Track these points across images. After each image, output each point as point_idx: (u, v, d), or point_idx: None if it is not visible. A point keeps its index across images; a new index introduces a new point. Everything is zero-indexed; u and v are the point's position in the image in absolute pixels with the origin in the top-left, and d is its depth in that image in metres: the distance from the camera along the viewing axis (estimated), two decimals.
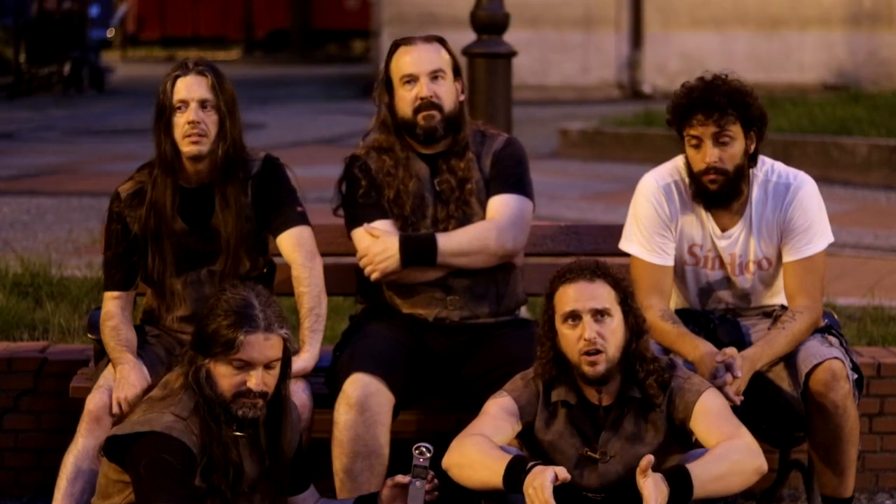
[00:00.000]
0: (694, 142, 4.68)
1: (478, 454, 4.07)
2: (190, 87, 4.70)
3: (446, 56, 4.91)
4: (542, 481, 3.91)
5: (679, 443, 4.22)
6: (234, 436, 4.09)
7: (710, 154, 4.64)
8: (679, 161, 4.82)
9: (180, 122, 4.71)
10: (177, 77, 4.72)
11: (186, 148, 4.71)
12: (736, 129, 4.64)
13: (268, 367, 4.08)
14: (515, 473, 3.98)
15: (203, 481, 4.02)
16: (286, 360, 4.15)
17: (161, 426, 3.98)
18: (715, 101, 4.61)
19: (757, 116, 4.68)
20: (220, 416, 4.05)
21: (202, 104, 4.70)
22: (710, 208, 4.76)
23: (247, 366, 4.05)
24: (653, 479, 3.92)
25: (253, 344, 4.04)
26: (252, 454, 4.15)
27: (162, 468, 3.93)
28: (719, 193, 4.70)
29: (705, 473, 3.98)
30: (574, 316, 4.17)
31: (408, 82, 4.86)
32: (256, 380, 4.04)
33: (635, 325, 4.21)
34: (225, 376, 4.06)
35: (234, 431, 4.09)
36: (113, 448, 4.07)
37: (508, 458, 4.03)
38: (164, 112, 4.72)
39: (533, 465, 3.98)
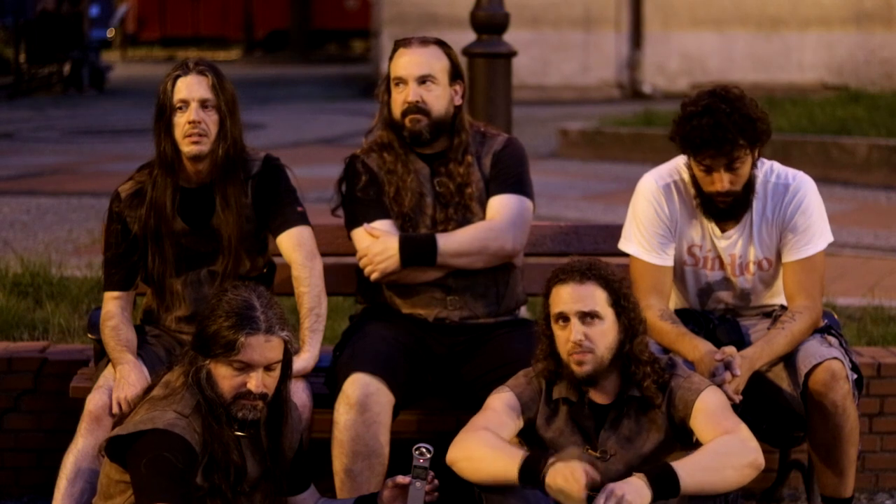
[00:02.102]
0: (704, 169, 4.65)
1: (488, 448, 4.07)
2: (191, 87, 4.70)
3: (443, 60, 4.90)
4: (576, 471, 3.90)
5: (680, 441, 4.22)
6: (235, 436, 4.09)
7: (720, 182, 4.62)
8: (679, 161, 4.81)
9: (181, 121, 4.71)
10: (177, 77, 4.72)
11: (187, 148, 4.71)
12: (745, 153, 4.62)
13: (268, 368, 4.08)
14: (533, 467, 3.97)
15: (205, 480, 4.03)
16: (287, 362, 4.15)
17: (164, 423, 3.99)
18: (727, 137, 4.55)
19: (763, 132, 4.65)
20: (222, 416, 4.06)
21: (203, 104, 4.70)
22: (716, 220, 4.75)
23: (247, 367, 4.05)
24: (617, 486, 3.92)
25: (254, 346, 4.04)
26: (253, 454, 4.15)
27: (163, 467, 3.92)
28: (730, 210, 4.69)
29: (690, 465, 3.96)
30: (564, 317, 4.18)
31: (397, 84, 4.88)
32: (256, 381, 4.04)
33: (629, 327, 4.20)
34: (225, 377, 4.06)
35: (236, 432, 4.10)
36: (115, 448, 4.07)
37: (522, 452, 4.02)
38: (165, 112, 4.72)
39: (555, 460, 3.97)
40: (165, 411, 4.03)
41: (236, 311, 4.05)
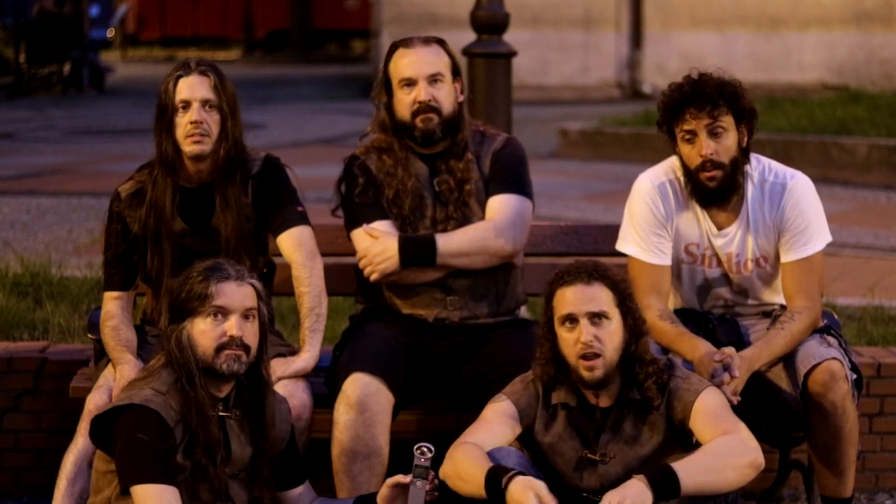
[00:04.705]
0: (688, 137, 4.68)
1: (464, 465, 4.08)
2: (193, 87, 4.70)
3: (445, 58, 4.90)
4: (538, 488, 3.92)
5: (679, 443, 4.22)
6: (218, 415, 4.13)
7: (705, 146, 4.64)
8: (674, 160, 4.82)
9: (182, 121, 4.71)
10: (179, 77, 4.72)
11: (189, 148, 4.71)
12: (728, 120, 4.66)
13: (245, 318, 4.13)
14: (495, 482, 3.98)
15: (186, 458, 4.05)
16: (263, 324, 4.20)
17: (140, 399, 4.05)
18: (706, 92, 4.63)
19: (747, 108, 4.69)
20: (200, 386, 4.08)
21: (205, 104, 4.70)
22: (709, 206, 4.76)
23: (224, 314, 4.12)
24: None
25: (226, 290, 4.13)
26: (240, 437, 4.18)
27: (137, 448, 3.98)
28: (718, 190, 4.69)
29: (690, 466, 3.96)
30: (571, 319, 4.17)
31: (406, 85, 4.86)
32: (235, 325, 4.11)
33: (634, 327, 4.20)
34: (204, 332, 4.12)
35: (219, 412, 4.12)
36: (100, 435, 4.11)
37: (487, 467, 4.02)
38: (167, 112, 4.72)
39: (513, 475, 3.98)
40: (142, 389, 4.10)
41: (204, 268, 4.18)
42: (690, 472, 3.95)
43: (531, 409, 4.26)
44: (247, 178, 4.81)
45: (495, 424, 4.21)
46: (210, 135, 4.72)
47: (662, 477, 3.93)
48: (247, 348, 4.14)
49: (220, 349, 4.11)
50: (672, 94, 4.69)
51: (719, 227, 4.79)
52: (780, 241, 4.78)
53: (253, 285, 4.19)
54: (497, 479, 3.98)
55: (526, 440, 4.29)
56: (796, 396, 4.62)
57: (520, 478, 3.96)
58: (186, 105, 4.70)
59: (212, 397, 4.13)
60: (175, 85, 4.72)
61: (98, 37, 25.21)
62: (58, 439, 5.10)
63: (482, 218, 4.89)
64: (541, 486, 3.94)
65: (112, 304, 4.79)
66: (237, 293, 4.14)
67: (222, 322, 4.12)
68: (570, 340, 4.17)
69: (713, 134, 4.65)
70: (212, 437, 4.09)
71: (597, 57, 20.58)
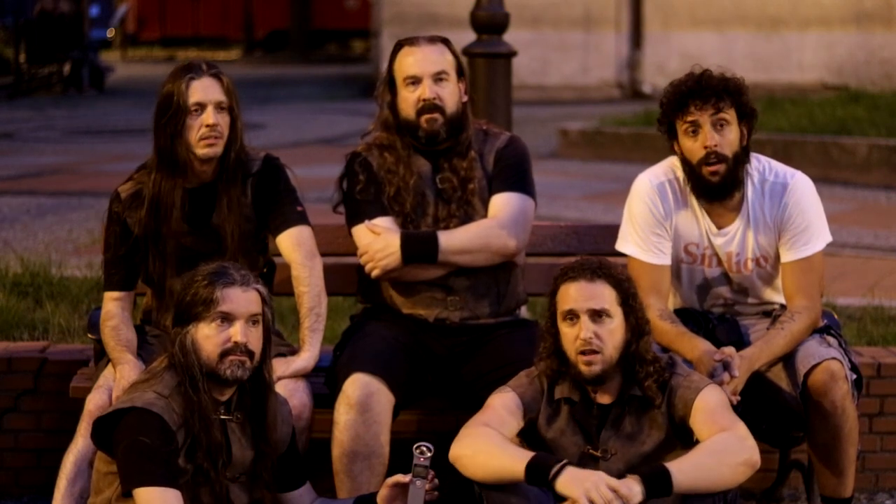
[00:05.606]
0: (691, 129, 4.67)
1: (492, 445, 4.06)
2: (206, 90, 4.69)
3: (450, 57, 4.90)
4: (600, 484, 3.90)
5: (681, 440, 4.22)
6: (220, 418, 4.12)
7: (710, 137, 4.64)
8: (673, 160, 4.82)
9: (196, 124, 4.69)
10: (191, 79, 4.70)
11: (203, 150, 4.70)
12: (732, 114, 4.67)
13: (250, 323, 4.12)
14: (543, 466, 3.96)
15: (188, 462, 4.05)
16: (267, 329, 4.19)
17: (142, 402, 4.04)
18: (712, 84, 4.65)
19: (748, 106, 4.70)
20: (203, 390, 4.08)
21: (218, 107, 4.70)
22: (710, 202, 4.75)
23: (229, 319, 4.10)
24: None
25: (231, 296, 4.11)
26: (242, 440, 4.17)
27: (139, 450, 3.97)
28: (721, 185, 4.69)
29: (684, 463, 3.96)
30: (572, 315, 4.18)
31: (411, 83, 4.85)
32: (240, 331, 4.09)
33: (636, 326, 4.21)
34: (209, 337, 4.10)
35: (221, 415, 4.12)
36: (102, 436, 4.11)
37: (531, 453, 4.02)
38: (179, 114, 4.69)
39: (566, 463, 3.97)
40: (145, 392, 4.08)
41: (210, 272, 4.15)
42: (684, 469, 3.95)
43: (535, 403, 4.27)
44: (246, 178, 4.81)
45: (502, 413, 4.21)
46: (223, 137, 4.72)
47: (654, 474, 3.94)
48: (251, 354, 4.12)
49: (224, 355, 4.09)
50: (676, 87, 4.70)
51: (719, 227, 4.79)
52: (780, 241, 4.78)
53: (258, 290, 4.17)
54: (543, 470, 3.96)
55: (528, 435, 4.28)
56: (796, 396, 4.62)
57: (571, 470, 3.95)
58: (201, 108, 4.69)
59: (214, 401, 4.13)
60: (188, 87, 4.70)
61: (98, 37, 25.24)
62: (58, 439, 5.10)
63: (485, 216, 4.89)
64: (599, 479, 3.92)
65: (112, 305, 4.79)
66: (242, 299, 4.13)
67: (227, 328, 4.11)
68: (570, 336, 4.18)
69: (717, 126, 4.65)
70: (214, 440, 4.09)
71: (597, 57, 20.59)
